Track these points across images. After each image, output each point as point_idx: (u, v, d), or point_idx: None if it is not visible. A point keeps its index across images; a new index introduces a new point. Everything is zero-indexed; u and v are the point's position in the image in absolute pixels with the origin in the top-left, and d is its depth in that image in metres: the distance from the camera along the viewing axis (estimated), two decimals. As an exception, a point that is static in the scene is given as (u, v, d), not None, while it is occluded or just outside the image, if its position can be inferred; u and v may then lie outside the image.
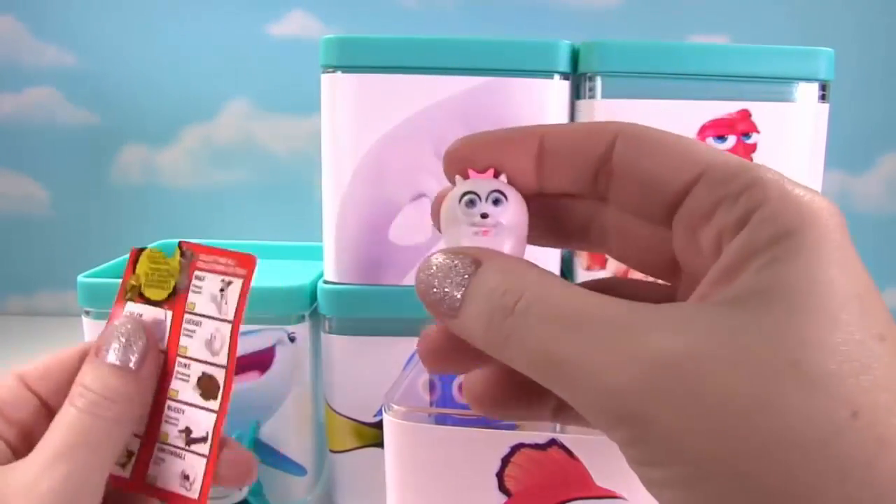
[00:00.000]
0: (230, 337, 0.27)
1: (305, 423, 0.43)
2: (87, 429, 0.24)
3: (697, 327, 0.15)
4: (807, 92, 0.39)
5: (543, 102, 0.39)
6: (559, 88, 0.39)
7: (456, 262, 0.19)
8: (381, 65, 0.39)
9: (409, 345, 0.39)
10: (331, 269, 0.41)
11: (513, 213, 0.20)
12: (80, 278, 0.41)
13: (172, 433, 0.27)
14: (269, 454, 0.42)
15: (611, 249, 0.22)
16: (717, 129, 0.39)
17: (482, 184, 0.20)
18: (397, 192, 0.39)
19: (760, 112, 0.39)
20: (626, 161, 0.19)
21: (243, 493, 0.40)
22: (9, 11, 0.80)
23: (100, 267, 0.44)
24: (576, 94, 0.40)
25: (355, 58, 0.39)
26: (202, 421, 0.26)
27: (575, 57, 0.40)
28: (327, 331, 0.41)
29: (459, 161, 0.21)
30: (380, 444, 0.34)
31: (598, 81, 0.39)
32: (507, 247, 0.20)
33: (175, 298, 0.28)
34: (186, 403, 0.27)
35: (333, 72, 0.39)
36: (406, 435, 0.31)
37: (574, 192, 0.21)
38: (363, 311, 0.40)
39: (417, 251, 0.40)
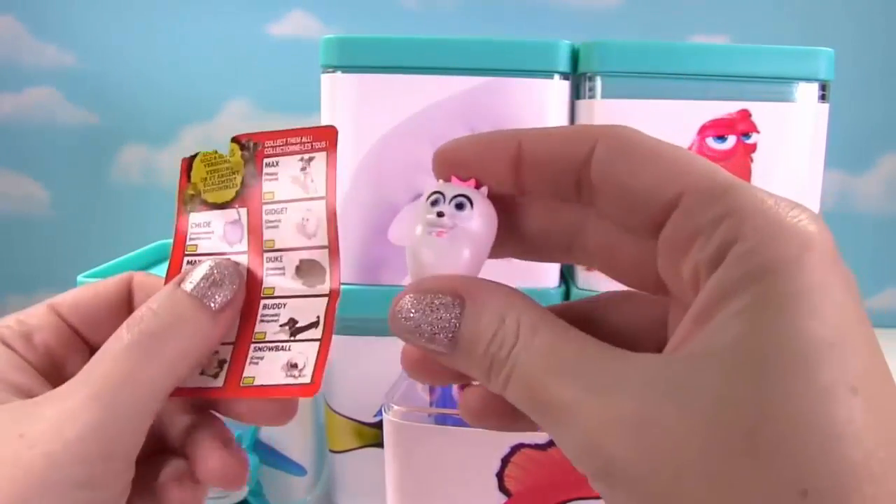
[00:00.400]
0: (326, 213, 0.24)
1: (305, 423, 0.43)
2: (136, 364, 0.21)
3: (658, 389, 0.15)
4: (807, 92, 0.39)
5: (543, 102, 0.39)
6: (559, 88, 0.39)
7: (436, 302, 0.18)
8: (381, 65, 0.39)
9: (409, 345, 0.39)
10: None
11: (475, 221, 0.19)
12: (81, 278, 0.41)
13: (272, 330, 0.24)
14: (269, 454, 0.42)
15: (597, 264, 0.21)
16: (717, 129, 0.39)
17: (452, 187, 0.20)
18: (397, 192, 0.39)
19: (760, 112, 0.39)
20: (604, 170, 0.18)
21: (243, 493, 0.40)
22: (9, 11, 0.80)
23: (100, 267, 0.44)
24: (576, 94, 0.40)
25: (355, 58, 0.39)
26: (309, 307, 0.24)
27: (575, 57, 0.39)
28: (327, 331, 0.41)
29: (445, 164, 0.20)
30: (380, 444, 0.34)
31: (598, 81, 0.39)
32: (462, 255, 0.19)
33: (246, 194, 0.25)
34: (286, 297, 0.24)
35: (333, 72, 0.39)
36: (406, 435, 0.31)
37: (555, 199, 0.20)
38: (363, 311, 0.40)
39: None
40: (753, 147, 0.39)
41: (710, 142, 0.39)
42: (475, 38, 0.39)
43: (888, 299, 0.87)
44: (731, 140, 0.39)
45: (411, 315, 0.19)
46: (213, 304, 0.23)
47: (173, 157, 0.82)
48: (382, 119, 0.39)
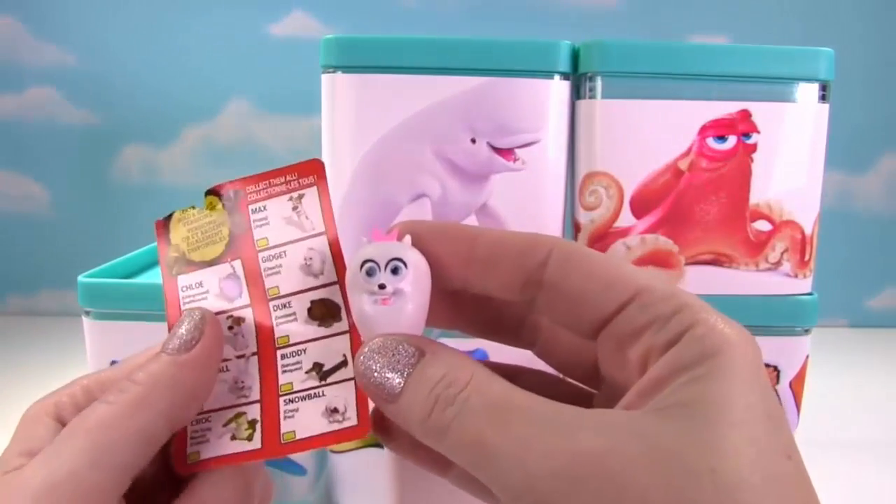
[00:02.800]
0: (330, 248, 0.24)
1: (305, 423, 0.43)
2: (100, 423, 0.21)
3: (622, 430, 0.16)
4: (807, 92, 0.39)
5: (543, 102, 0.39)
6: (559, 88, 0.39)
7: (399, 347, 0.20)
8: (381, 65, 0.39)
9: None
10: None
11: (412, 280, 0.20)
12: (81, 278, 0.41)
13: (298, 378, 0.23)
14: (269, 454, 0.42)
15: (538, 350, 0.23)
16: (717, 129, 0.39)
17: (382, 250, 0.20)
18: (397, 192, 0.39)
19: (760, 112, 0.39)
20: (557, 278, 0.20)
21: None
22: (9, 11, 0.80)
23: (100, 267, 0.44)
24: (576, 94, 0.40)
25: (355, 58, 0.39)
26: (332, 348, 0.23)
27: (575, 57, 0.40)
28: (327, 331, 0.41)
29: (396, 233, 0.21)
30: (380, 444, 0.34)
31: (598, 81, 0.39)
32: (406, 314, 0.20)
33: (236, 245, 0.24)
34: (304, 342, 0.23)
35: (333, 72, 0.39)
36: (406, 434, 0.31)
37: (499, 297, 0.21)
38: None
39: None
40: (753, 147, 0.39)
41: (710, 142, 0.39)
42: (475, 38, 0.39)
43: (888, 299, 0.87)
44: (731, 140, 0.39)
45: (373, 354, 0.20)
46: (167, 349, 0.22)
47: (173, 157, 0.82)
48: (382, 119, 0.39)
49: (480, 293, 0.21)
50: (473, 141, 0.39)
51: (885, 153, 0.84)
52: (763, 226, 0.39)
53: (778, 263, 0.40)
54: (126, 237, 0.81)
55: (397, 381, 0.19)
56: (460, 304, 0.23)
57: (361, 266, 0.20)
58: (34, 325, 0.82)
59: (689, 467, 0.15)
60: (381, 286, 0.20)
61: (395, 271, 0.20)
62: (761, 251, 0.40)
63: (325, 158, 0.40)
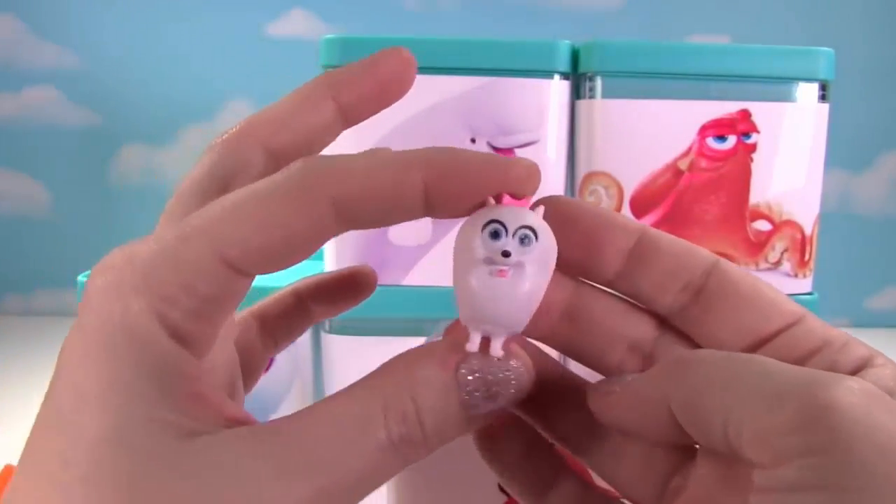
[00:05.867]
0: None
1: (305, 423, 0.43)
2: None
3: None
4: (807, 92, 0.39)
5: (543, 102, 0.39)
6: (559, 88, 0.39)
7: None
8: (381, 65, 0.39)
9: (409, 345, 0.39)
10: (331, 269, 0.41)
11: (538, 258, 0.17)
12: (80, 278, 0.41)
13: None
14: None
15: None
16: (717, 129, 0.39)
17: (513, 214, 0.17)
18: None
19: (760, 112, 0.39)
20: (720, 286, 0.18)
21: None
22: (9, 11, 0.80)
23: (100, 267, 0.44)
24: (576, 94, 0.40)
25: (355, 58, 0.39)
26: None
27: (575, 57, 0.40)
28: (327, 331, 0.41)
29: (554, 215, 0.18)
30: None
31: (598, 81, 0.39)
32: (521, 295, 0.17)
33: None
34: None
35: (333, 72, 0.39)
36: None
37: (647, 298, 0.19)
38: (363, 311, 0.40)
39: (418, 251, 0.40)
40: (753, 147, 0.39)
41: (710, 142, 0.39)
42: (475, 39, 0.39)
43: (888, 299, 0.87)
44: (731, 140, 0.39)
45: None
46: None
47: (173, 158, 0.82)
48: (382, 119, 0.39)
49: (630, 290, 0.19)
50: (473, 141, 0.39)
51: (885, 153, 0.84)
52: (763, 226, 0.39)
53: (778, 263, 0.40)
54: (125, 237, 0.81)
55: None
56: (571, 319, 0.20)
57: (485, 226, 0.17)
58: (32, 324, 0.82)
59: None
60: (506, 253, 0.17)
61: (523, 241, 0.17)
62: (761, 251, 0.40)
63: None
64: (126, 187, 0.83)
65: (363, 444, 0.16)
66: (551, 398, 0.20)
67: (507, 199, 0.17)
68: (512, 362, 0.17)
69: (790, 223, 0.39)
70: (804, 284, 0.40)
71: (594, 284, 0.20)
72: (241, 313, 0.23)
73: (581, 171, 0.40)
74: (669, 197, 0.39)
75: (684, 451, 0.18)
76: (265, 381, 0.42)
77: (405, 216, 0.17)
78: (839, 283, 0.85)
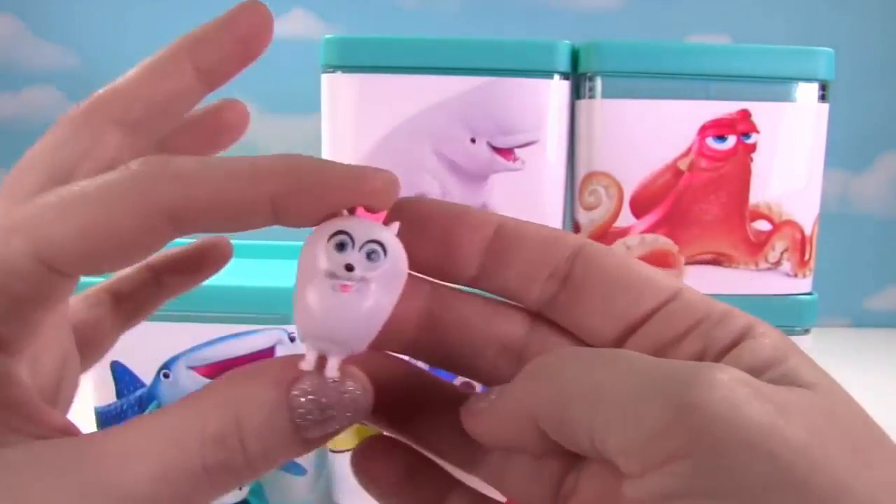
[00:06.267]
0: None
1: (305, 423, 0.43)
2: None
3: None
4: (807, 92, 0.39)
5: (543, 102, 0.39)
6: (559, 88, 0.39)
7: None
8: (381, 65, 0.39)
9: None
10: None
11: (385, 276, 0.16)
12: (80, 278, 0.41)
13: None
14: (269, 454, 0.42)
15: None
16: (717, 129, 0.39)
17: (363, 227, 0.16)
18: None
19: (760, 112, 0.39)
20: (586, 273, 0.17)
21: (243, 493, 0.40)
22: (9, 10, 0.80)
23: (100, 267, 0.44)
24: (576, 94, 0.40)
25: (355, 58, 0.39)
26: None
27: (575, 57, 0.40)
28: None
29: (403, 217, 0.17)
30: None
31: (598, 81, 0.39)
32: (363, 312, 0.16)
33: None
34: None
35: (333, 72, 0.39)
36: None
37: (513, 293, 0.18)
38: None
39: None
40: (753, 147, 0.39)
41: (710, 142, 0.39)
42: (475, 38, 0.39)
43: (888, 299, 0.87)
44: (731, 140, 0.39)
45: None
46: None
47: (173, 157, 0.82)
48: (382, 119, 0.39)
49: (494, 287, 0.18)
50: (473, 141, 0.39)
51: (885, 153, 0.84)
52: (763, 225, 0.39)
53: (778, 263, 0.40)
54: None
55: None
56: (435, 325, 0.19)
57: (332, 237, 0.16)
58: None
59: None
60: (349, 267, 0.15)
61: (370, 255, 0.16)
62: (761, 251, 0.40)
63: (325, 158, 0.40)
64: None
65: (174, 471, 0.15)
66: (424, 412, 0.19)
67: (360, 211, 0.16)
68: (349, 384, 0.16)
69: (790, 223, 0.39)
70: (804, 284, 0.40)
71: (454, 286, 0.19)
72: (94, 289, 0.23)
73: (581, 171, 0.40)
74: (669, 197, 0.39)
75: (572, 453, 0.16)
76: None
77: (250, 227, 0.16)
78: (839, 283, 0.85)
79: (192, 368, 0.41)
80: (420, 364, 0.19)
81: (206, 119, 0.22)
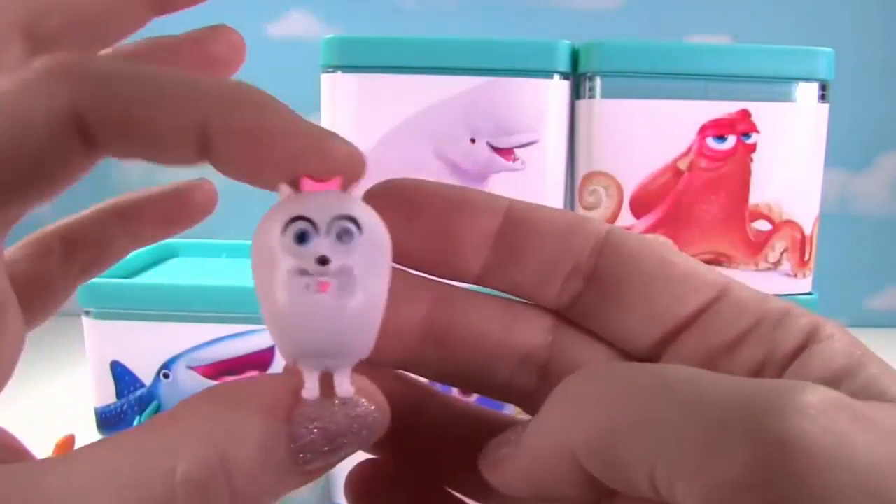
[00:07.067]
0: None
1: (305, 423, 0.43)
2: None
3: None
4: (807, 92, 0.39)
5: (543, 102, 0.39)
6: (559, 88, 0.39)
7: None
8: (381, 65, 0.39)
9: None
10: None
11: (368, 254, 0.13)
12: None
13: None
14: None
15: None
16: (717, 129, 0.39)
17: (321, 203, 0.13)
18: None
19: (760, 112, 0.39)
20: (615, 266, 0.15)
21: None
22: (9, 11, 0.80)
23: (100, 267, 0.44)
24: (576, 94, 0.40)
25: (355, 58, 0.39)
26: None
27: (575, 57, 0.40)
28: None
29: (393, 203, 0.15)
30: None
31: (598, 81, 0.39)
32: (355, 309, 0.13)
33: None
34: None
35: (333, 72, 0.39)
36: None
37: (528, 294, 0.15)
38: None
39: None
40: (753, 147, 0.39)
41: (710, 142, 0.39)
42: (475, 38, 0.39)
43: (888, 299, 0.87)
44: (731, 140, 0.39)
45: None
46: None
47: (173, 157, 0.82)
48: (382, 119, 0.39)
49: (505, 285, 0.15)
50: (473, 141, 0.39)
51: (885, 153, 0.84)
52: (763, 225, 0.39)
53: (778, 263, 0.40)
54: (126, 237, 0.81)
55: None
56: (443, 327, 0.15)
57: (286, 226, 0.12)
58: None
59: None
60: (323, 260, 0.12)
61: (341, 236, 0.12)
62: (761, 251, 0.40)
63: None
64: (126, 187, 0.83)
65: None
66: (433, 438, 0.16)
67: (306, 183, 0.13)
68: (361, 403, 0.13)
69: (790, 223, 0.39)
70: (804, 284, 0.40)
71: (459, 285, 0.16)
72: (40, 233, 0.19)
73: (581, 171, 0.40)
74: (669, 197, 0.39)
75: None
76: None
77: (172, 158, 0.13)
78: (839, 283, 0.85)
79: (192, 368, 0.41)
80: (419, 379, 0.16)
81: (184, 48, 0.18)
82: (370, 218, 0.13)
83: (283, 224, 0.12)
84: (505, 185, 0.39)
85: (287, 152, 0.13)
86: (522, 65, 0.38)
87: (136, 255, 0.47)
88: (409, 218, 0.14)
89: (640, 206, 0.39)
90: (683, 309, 0.14)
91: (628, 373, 0.13)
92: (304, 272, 0.12)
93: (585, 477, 0.12)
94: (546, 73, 0.39)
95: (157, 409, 0.42)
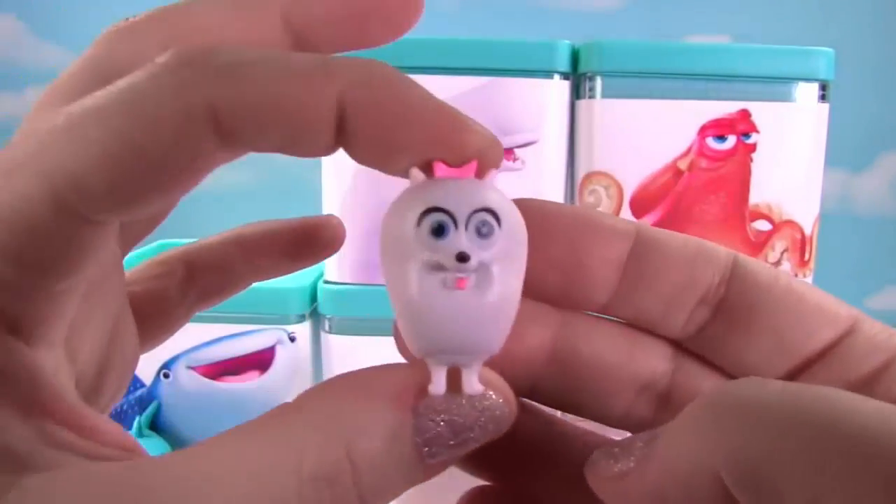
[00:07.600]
0: None
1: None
2: None
3: None
4: (807, 92, 0.39)
5: (543, 102, 0.39)
6: (559, 88, 0.39)
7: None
8: (381, 65, 0.39)
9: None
10: (331, 268, 0.41)
11: (506, 244, 0.12)
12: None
13: None
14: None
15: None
16: (717, 129, 0.39)
17: (460, 195, 0.12)
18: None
19: (760, 112, 0.39)
20: (745, 295, 0.14)
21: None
22: (9, 11, 0.80)
23: (100, 267, 0.44)
24: (576, 94, 0.40)
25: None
26: None
27: (575, 57, 0.40)
28: (327, 330, 0.41)
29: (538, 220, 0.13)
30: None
31: (598, 81, 0.39)
32: (491, 310, 0.12)
33: None
34: None
35: (333, 72, 0.39)
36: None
37: (657, 325, 0.15)
38: (363, 310, 0.40)
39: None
40: (753, 147, 0.39)
41: (710, 142, 0.39)
42: (475, 39, 0.39)
43: (888, 299, 0.87)
44: (731, 140, 0.39)
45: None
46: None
47: (173, 157, 0.82)
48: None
49: (629, 314, 0.15)
50: (473, 141, 0.39)
51: (885, 153, 0.84)
52: (763, 225, 0.39)
53: (778, 263, 0.40)
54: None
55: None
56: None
57: (422, 217, 0.12)
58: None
59: None
60: (463, 257, 0.11)
61: (481, 231, 0.12)
62: (761, 251, 0.40)
63: (325, 159, 0.40)
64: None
65: None
66: (538, 461, 0.15)
67: (440, 168, 0.12)
68: (488, 395, 0.13)
69: (790, 223, 0.39)
70: (804, 284, 0.40)
71: (584, 312, 0.15)
72: (167, 254, 0.19)
73: (581, 171, 0.40)
74: (669, 197, 0.39)
75: None
76: (265, 381, 0.42)
77: (307, 143, 0.12)
78: (839, 283, 0.85)
79: (192, 368, 0.41)
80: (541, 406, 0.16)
81: None
82: (510, 210, 0.12)
83: (419, 215, 0.12)
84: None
85: (426, 133, 0.12)
86: (522, 65, 0.38)
87: (136, 255, 0.47)
88: (535, 243, 0.13)
89: (640, 206, 0.39)
90: (814, 342, 0.14)
91: (787, 396, 0.11)
92: (440, 267, 0.12)
93: (724, 499, 0.11)
94: (546, 73, 0.39)
95: (158, 409, 0.42)
